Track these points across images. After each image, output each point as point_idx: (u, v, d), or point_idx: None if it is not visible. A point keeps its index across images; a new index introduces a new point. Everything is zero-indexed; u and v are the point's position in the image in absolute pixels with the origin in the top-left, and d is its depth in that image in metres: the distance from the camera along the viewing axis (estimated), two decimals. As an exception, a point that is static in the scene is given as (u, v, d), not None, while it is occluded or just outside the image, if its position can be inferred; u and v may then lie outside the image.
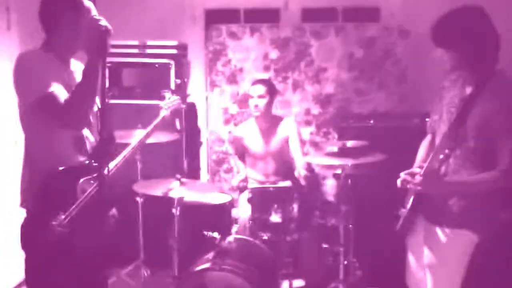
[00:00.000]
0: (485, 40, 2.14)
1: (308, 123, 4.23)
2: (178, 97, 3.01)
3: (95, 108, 2.19)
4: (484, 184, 2.10)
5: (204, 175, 4.40)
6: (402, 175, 2.23)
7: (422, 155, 2.40)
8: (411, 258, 2.45)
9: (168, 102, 2.89)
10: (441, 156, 2.03)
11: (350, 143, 2.95)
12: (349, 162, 2.80)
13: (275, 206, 2.93)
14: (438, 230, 2.19)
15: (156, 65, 3.87)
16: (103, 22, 1.87)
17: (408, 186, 2.17)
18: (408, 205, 2.26)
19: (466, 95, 2.16)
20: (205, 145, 4.38)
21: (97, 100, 2.08)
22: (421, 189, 2.12)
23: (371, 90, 4.18)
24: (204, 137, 4.36)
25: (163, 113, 2.84)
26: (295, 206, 2.97)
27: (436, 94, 2.41)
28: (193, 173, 4.23)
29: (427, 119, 2.57)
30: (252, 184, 3.66)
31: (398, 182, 2.24)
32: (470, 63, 2.15)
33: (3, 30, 3.42)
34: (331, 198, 4.13)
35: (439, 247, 2.19)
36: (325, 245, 3.36)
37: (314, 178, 3.96)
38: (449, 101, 2.26)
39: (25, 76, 2.00)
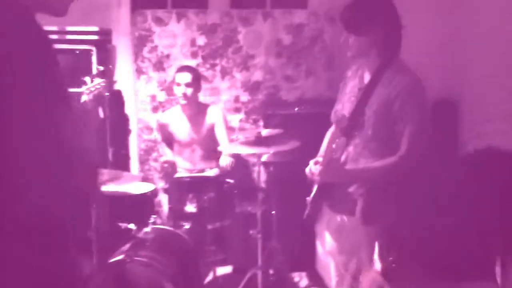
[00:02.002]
0: (389, 29, 2.16)
1: (237, 110, 4.22)
2: (102, 80, 2.90)
3: None
4: (384, 170, 2.14)
5: (134, 164, 4.33)
6: (311, 164, 2.25)
7: (325, 144, 2.43)
8: (318, 245, 2.50)
9: (90, 86, 2.79)
10: (333, 146, 2.05)
11: (264, 132, 2.95)
12: (262, 150, 2.81)
13: (190, 196, 2.92)
14: (339, 218, 2.23)
15: (77, 52, 3.75)
16: None
17: (311, 175, 2.20)
18: (312, 194, 2.29)
19: (365, 84, 2.20)
20: (135, 133, 4.30)
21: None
22: (321, 178, 2.14)
23: (299, 77, 4.20)
24: (133, 125, 4.28)
25: (84, 98, 2.74)
26: (212, 195, 2.96)
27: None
28: (121, 162, 4.16)
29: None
30: (180, 173, 3.63)
31: (307, 171, 2.26)
32: (373, 50, 2.17)
33: None
34: (262, 185, 4.15)
35: (339, 234, 2.23)
36: (251, 231, 3.38)
37: (242, 166, 3.96)
38: (350, 90, 2.29)
39: None
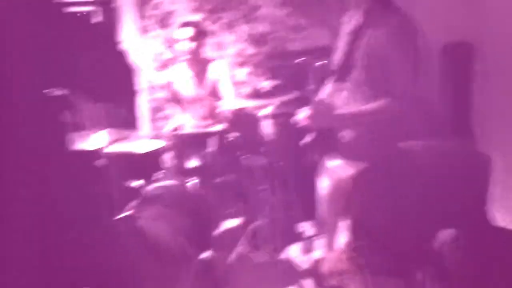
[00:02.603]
0: None
1: (244, 63, 4.17)
2: None
3: None
4: (376, 113, 2.10)
5: (144, 123, 4.37)
6: (299, 112, 2.23)
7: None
8: (318, 190, 2.50)
9: None
10: (328, 90, 2.03)
11: (266, 84, 2.92)
12: (264, 102, 2.79)
13: (193, 150, 2.94)
14: (332, 161, 2.22)
15: (78, 14, 3.73)
16: None
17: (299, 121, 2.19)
18: (306, 140, 2.27)
19: (355, 27, 2.14)
20: (144, 92, 4.31)
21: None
22: (311, 124, 2.13)
23: (308, 26, 4.10)
24: (141, 84, 4.28)
25: None
26: (214, 149, 2.98)
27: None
28: (131, 122, 4.21)
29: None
30: (187, 129, 3.65)
31: (295, 118, 2.25)
32: None
33: None
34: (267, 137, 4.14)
35: (332, 177, 2.23)
36: (258, 185, 3.40)
37: (248, 120, 3.95)
38: (345, 35, 2.24)
39: None
